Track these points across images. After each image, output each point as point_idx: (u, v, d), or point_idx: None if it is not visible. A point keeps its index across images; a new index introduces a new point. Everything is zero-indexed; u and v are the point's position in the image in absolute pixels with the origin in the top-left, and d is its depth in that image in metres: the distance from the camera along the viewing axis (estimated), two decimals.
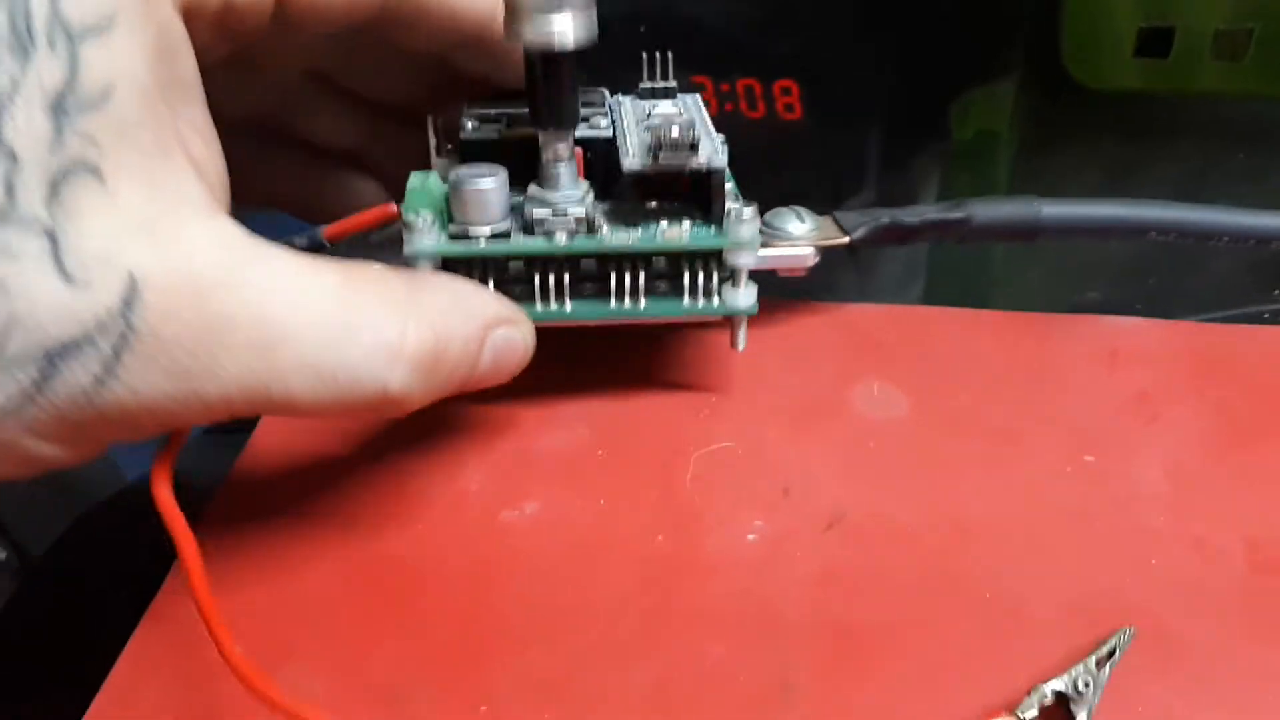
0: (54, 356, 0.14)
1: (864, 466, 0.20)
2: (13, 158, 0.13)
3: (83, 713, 0.17)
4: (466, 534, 0.19)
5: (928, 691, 0.17)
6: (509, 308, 0.19)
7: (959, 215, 0.21)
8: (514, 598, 0.18)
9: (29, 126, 0.14)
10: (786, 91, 0.39)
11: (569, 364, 0.22)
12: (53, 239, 0.14)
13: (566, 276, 0.20)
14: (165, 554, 0.17)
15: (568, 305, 0.20)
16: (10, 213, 0.14)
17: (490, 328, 0.18)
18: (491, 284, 0.20)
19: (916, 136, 0.37)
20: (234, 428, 0.21)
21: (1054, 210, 0.21)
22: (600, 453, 0.21)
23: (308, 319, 0.16)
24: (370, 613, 0.18)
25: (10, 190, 0.13)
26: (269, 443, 0.21)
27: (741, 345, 0.21)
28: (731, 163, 0.20)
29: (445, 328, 0.17)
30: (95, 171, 0.14)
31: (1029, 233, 0.22)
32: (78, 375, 0.14)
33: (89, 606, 0.25)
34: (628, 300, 0.20)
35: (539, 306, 0.20)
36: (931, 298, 0.31)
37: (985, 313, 0.23)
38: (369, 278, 0.17)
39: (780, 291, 0.24)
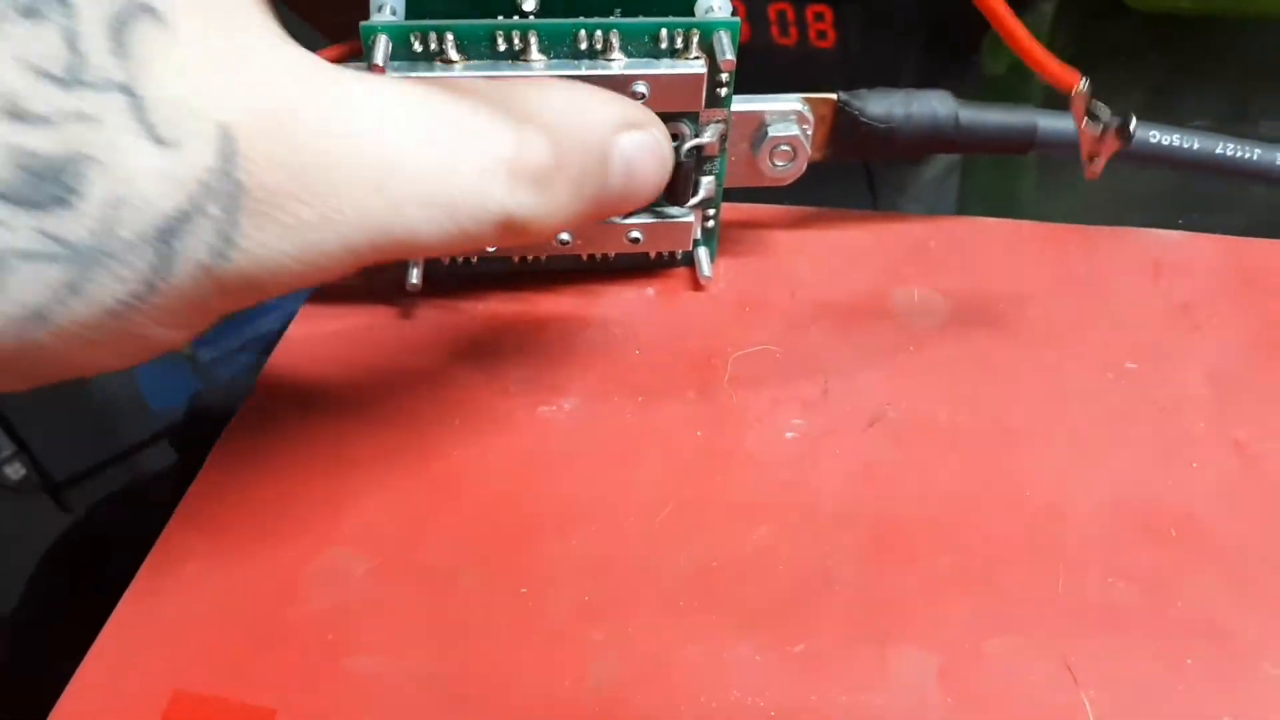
0: (167, 234, 0.12)
1: (904, 370, 0.20)
2: (66, 4, 0.11)
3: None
4: (505, 428, 0.19)
5: (966, 584, 0.17)
6: (635, 109, 0.17)
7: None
8: (553, 488, 0.18)
9: None
10: (820, 17, 0.39)
11: (594, 273, 0.22)
12: (132, 95, 0.12)
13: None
14: None
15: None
16: (81, 71, 0.11)
17: (616, 131, 0.16)
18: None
19: (952, 68, 0.36)
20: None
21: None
22: (637, 352, 0.21)
23: (414, 142, 0.14)
24: (411, 501, 0.18)
25: (74, 44, 0.12)
26: (298, 348, 0.21)
27: (708, 272, 0.22)
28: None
29: (562, 133, 0.15)
30: (148, 8, 0.12)
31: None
32: (195, 250, 0.12)
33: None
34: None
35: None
36: None
37: (1027, 224, 0.23)
38: (471, 87, 0.15)
39: (819, 203, 0.24)
